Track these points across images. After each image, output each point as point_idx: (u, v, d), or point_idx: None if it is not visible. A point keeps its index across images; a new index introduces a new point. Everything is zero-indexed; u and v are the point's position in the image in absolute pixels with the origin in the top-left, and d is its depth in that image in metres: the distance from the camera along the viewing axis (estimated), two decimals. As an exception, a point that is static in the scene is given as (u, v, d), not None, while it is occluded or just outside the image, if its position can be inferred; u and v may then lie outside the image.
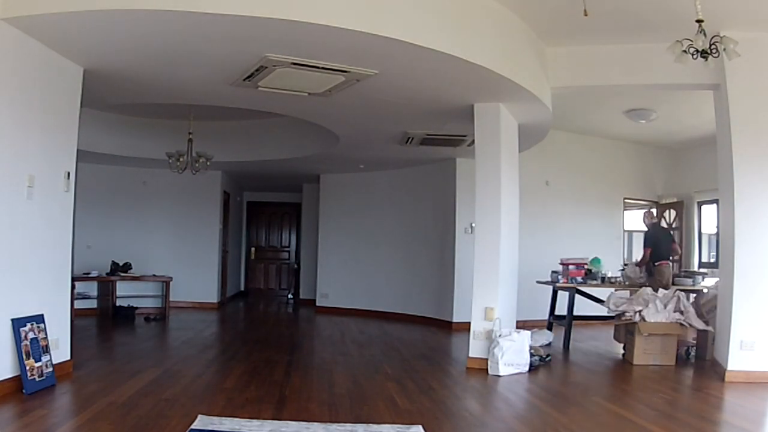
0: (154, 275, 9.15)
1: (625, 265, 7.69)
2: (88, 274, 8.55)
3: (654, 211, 9.19)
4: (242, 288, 13.32)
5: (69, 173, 4.57)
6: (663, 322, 5.69)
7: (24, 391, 3.91)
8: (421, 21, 4.22)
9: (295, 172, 10.35)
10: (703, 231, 9.54)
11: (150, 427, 3.30)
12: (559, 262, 7.01)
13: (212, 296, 10.16)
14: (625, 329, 5.94)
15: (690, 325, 5.75)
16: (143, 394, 4.04)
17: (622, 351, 6.21)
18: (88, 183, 8.42)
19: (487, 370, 5.20)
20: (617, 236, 9.44)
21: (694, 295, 6.48)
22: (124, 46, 4.23)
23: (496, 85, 5.02)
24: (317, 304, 10.51)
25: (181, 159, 7.58)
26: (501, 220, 5.55)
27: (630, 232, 10.91)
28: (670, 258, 7.29)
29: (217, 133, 8.70)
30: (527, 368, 5.27)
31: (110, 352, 6.25)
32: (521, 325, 5.90)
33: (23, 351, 3.97)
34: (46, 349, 4.19)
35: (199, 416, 3.49)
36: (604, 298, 7.30)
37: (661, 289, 6.08)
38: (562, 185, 9.04)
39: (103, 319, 8.45)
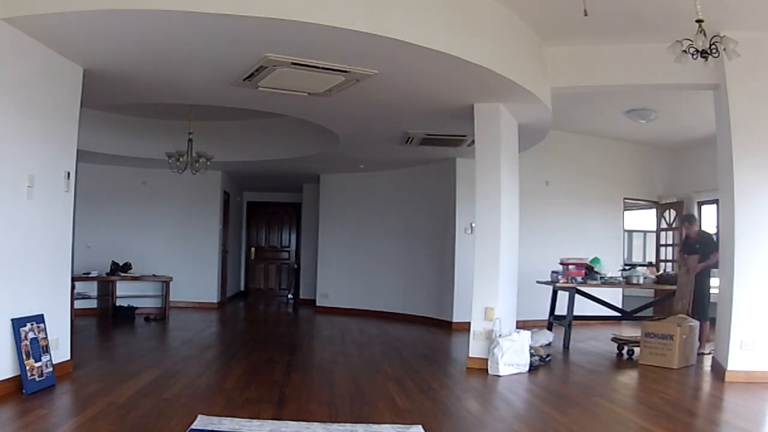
0: (154, 275, 9.15)
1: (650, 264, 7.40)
2: (88, 274, 8.55)
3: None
4: (242, 288, 13.32)
5: (69, 173, 4.57)
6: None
7: (24, 391, 3.91)
8: (421, 21, 4.22)
9: (295, 172, 10.35)
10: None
11: (150, 427, 3.30)
12: (559, 262, 7.01)
13: (212, 296, 10.16)
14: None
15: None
16: (143, 394, 4.04)
17: (617, 351, 6.22)
18: (88, 183, 8.43)
19: (487, 370, 5.20)
20: (617, 236, 9.43)
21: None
22: (124, 46, 4.23)
23: (496, 85, 5.02)
24: (317, 304, 10.51)
25: (181, 159, 7.58)
26: (501, 220, 5.54)
27: (630, 232, 10.92)
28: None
29: (217, 133, 8.70)
30: (527, 368, 5.27)
31: (110, 352, 6.25)
32: (521, 325, 5.90)
33: (23, 351, 3.97)
34: (46, 349, 4.19)
35: (199, 416, 3.49)
36: (604, 299, 7.35)
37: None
38: (562, 185, 9.03)
39: (103, 319, 8.45)
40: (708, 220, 9.34)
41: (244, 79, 4.90)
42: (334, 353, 6.26)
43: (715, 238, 6.74)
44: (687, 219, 7.14)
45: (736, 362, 4.90)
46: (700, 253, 6.45)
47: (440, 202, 8.92)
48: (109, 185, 9.44)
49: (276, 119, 8.01)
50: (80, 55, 4.40)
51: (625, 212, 9.71)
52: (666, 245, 10.08)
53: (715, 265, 6.25)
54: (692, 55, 3.94)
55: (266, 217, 13.63)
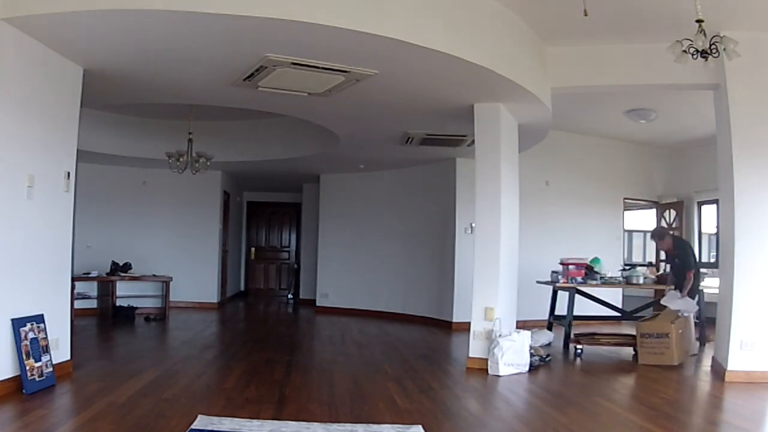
0: (154, 275, 9.15)
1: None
2: (88, 274, 8.55)
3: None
4: (242, 288, 13.32)
5: (69, 173, 4.57)
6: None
7: (24, 391, 3.91)
8: (421, 21, 4.22)
9: (295, 172, 10.35)
10: (703, 231, 9.55)
11: (150, 427, 3.30)
12: (559, 262, 7.01)
13: (212, 296, 10.15)
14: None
15: None
16: (143, 394, 4.04)
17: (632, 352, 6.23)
18: (88, 183, 8.43)
19: (487, 370, 5.20)
20: (617, 236, 9.43)
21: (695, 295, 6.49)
22: (124, 46, 4.23)
23: (496, 85, 5.02)
24: (317, 304, 10.51)
25: (181, 159, 7.58)
26: (501, 220, 5.54)
27: (630, 232, 10.91)
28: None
29: (217, 133, 8.70)
30: (527, 368, 5.27)
31: (110, 352, 6.25)
32: (521, 325, 5.90)
33: (23, 351, 3.97)
34: (46, 349, 4.19)
35: (199, 416, 3.49)
36: (604, 299, 7.35)
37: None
38: (562, 185, 9.03)
39: (103, 319, 8.45)
40: (708, 220, 9.35)
41: (244, 79, 4.90)
42: (334, 353, 6.25)
43: (687, 247, 6.86)
44: (656, 234, 7.09)
45: (736, 362, 4.90)
46: (681, 260, 6.58)
47: (440, 202, 8.92)
48: (109, 185, 9.43)
49: (276, 119, 8.01)
50: (80, 55, 4.40)
51: (625, 212, 9.71)
52: (666, 245, 10.07)
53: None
54: (692, 55, 3.93)
55: (266, 217, 13.63)
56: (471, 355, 5.48)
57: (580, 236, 8.77)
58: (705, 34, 3.86)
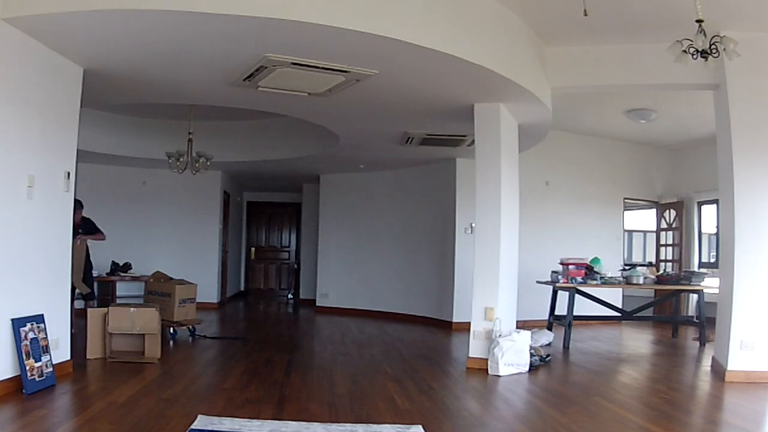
0: (154, 275, 9.14)
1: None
2: (88, 274, 8.53)
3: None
4: (242, 288, 13.32)
5: (69, 173, 4.57)
6: None
7: (24, 391, 3.91)
8: (421, 21, 4.22)
9: (295, 172, 10.35)
10: (703, 231, 9.55)
11: (150, 427, 3.30)
12: (559, 262, 7.01)
13: (212, 296, 10.15)
14: None
15: None
16: (143, 394, 4.04)
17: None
18: (88, 183, 8.42)
19: (487, 370, 5.20)
20: (617, 236, 9.43)
21: (695, 295, 6.49)
22: (124, 46, 4.23)
23: (496, 85, 5.02)
24: (317, 304, 10.52)
25: (181, 159, 7.58)
26: (501, 220, 5.55)
27: (630, 232, 10.92)
28: None
29: (217, 133, 8.71)
30: (527, 368, 5.27)
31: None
32: (521, 325, 5.90)
33: (23, 351, 3.97)
34: (46, 349, 4.19)
35: (199, 416, 3.49)
36: (604, 299, 7.35)
37: None
38: (562, 185, 9.04)
39: (103, 319, 8.43)
40: (708, 220, 9.35)
41: (244, 79, 4.90)
42: (334, 353, 6.25)
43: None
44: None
45: (736, 362, 4.90)
46: (84, 231, 7.03)
47: (440, 202, 8.92)
48: (109, 185, 9.44)
49: (276, 119, 8.01)
50: (80, 55, 4.40)
51: (625, 212, 9.71)
52: (666, 245, 10.08)
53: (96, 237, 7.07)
54: (692, 55, 3.93)
55: (266, 217, 13.64)
56: (471, 355, 5.48)
57: (580, 236, 8.78)
58: (705, 34, 3.86)
